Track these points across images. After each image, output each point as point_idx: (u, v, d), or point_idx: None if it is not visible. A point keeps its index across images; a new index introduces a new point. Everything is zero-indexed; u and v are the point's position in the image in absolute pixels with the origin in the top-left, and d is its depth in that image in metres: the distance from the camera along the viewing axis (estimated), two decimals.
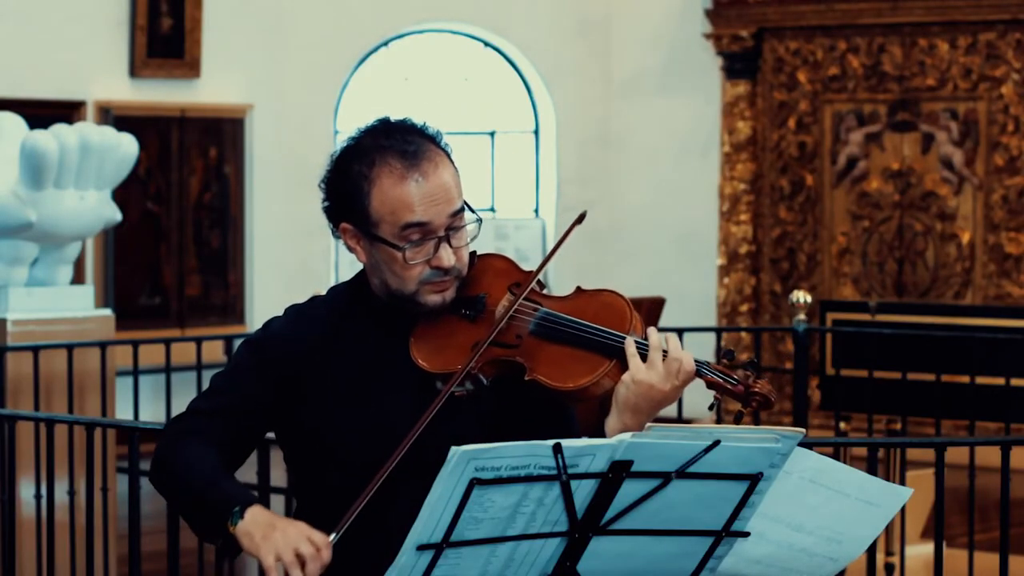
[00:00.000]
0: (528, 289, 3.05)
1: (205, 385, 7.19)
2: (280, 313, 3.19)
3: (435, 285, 3.04)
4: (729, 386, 2.99)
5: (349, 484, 3.00)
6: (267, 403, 3.06)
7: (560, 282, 12.04)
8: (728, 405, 3.18)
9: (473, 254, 3.12)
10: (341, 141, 3.12)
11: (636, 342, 2.97)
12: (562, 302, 3.08)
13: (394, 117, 3.11)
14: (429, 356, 3.03)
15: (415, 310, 3.06)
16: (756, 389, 2.98)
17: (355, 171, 3.03)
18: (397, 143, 3.02)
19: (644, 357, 2.96)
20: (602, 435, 2.99)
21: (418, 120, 3.11)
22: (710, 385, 3.01)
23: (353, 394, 3.05)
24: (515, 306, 3.02)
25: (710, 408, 3.10)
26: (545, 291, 3.12)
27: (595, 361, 2.98)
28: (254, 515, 2.89)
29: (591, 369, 2.97)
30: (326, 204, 3.11)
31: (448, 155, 3.07)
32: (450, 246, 3.02)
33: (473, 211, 3.08)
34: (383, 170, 3.00)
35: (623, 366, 2.98)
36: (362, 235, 3.06)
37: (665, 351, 2.97)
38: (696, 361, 2.98)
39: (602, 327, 3.00)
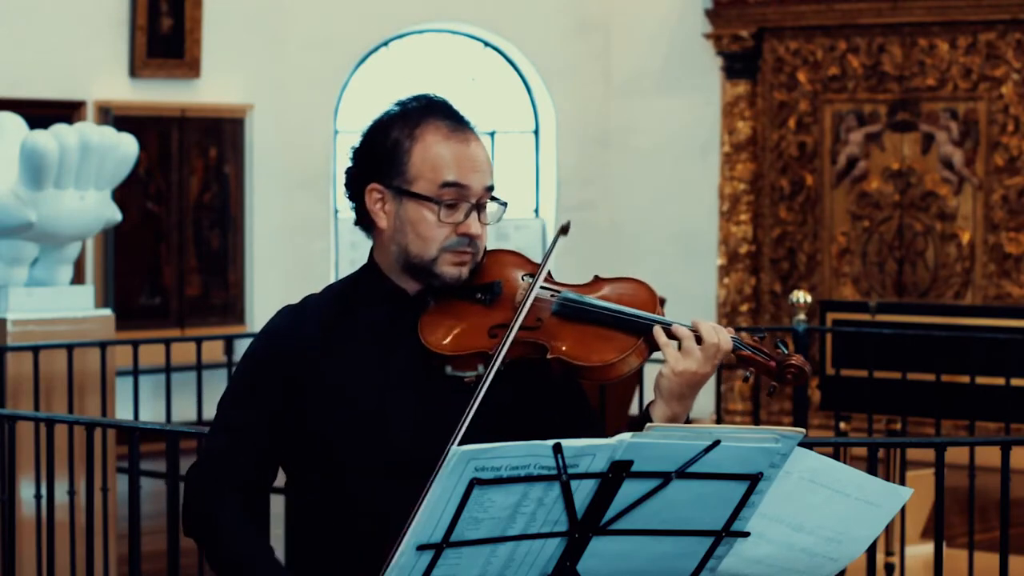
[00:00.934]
0: (544, 270, 3.04)
1: (205, 385, 7.26)
2: (275, 314, 3.18)
3: (456, 255, 3.03)
4: (762, 359, 3.00)
5: (348, 482, 3.00)
6: (279, 412, 3.05)
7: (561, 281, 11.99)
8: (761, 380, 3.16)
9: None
10: (378, 114, 3.12)
11: (664, 329, 2.97)
12: (583, 288, 3.09)
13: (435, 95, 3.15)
14: (441, 338, 3.00)
15: (429, 282, 3.05)
16: (791, 362, 2.99)
17: (396, 131, 3.05)
18: (442, 109, 3.08)
19: (669, 335, 2.97)
20: (604, 416, 3.01)
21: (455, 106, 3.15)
22: (743, 360, 3.01)
23: (355, 390, 3.03)
24: (537, 284, 2.99)
25: (744, 380, 3.11)
26: (558, 282, 3.12)
27: (621, 339, 2.98)
28: None
29: (618, 347, 2.97)
30: (352, 169, 3.11)
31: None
32: (479, 218, 3.04)
33: (498, 198, 3.10)
34: (428, 128, 3.04)
35: (649, 346, 2.98)
36: (391, 195, 3.05)
37: (698, 335, 2.97)
38: (731, 337, 3.00)
39: (628, 308, 3.00)
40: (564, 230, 3.08)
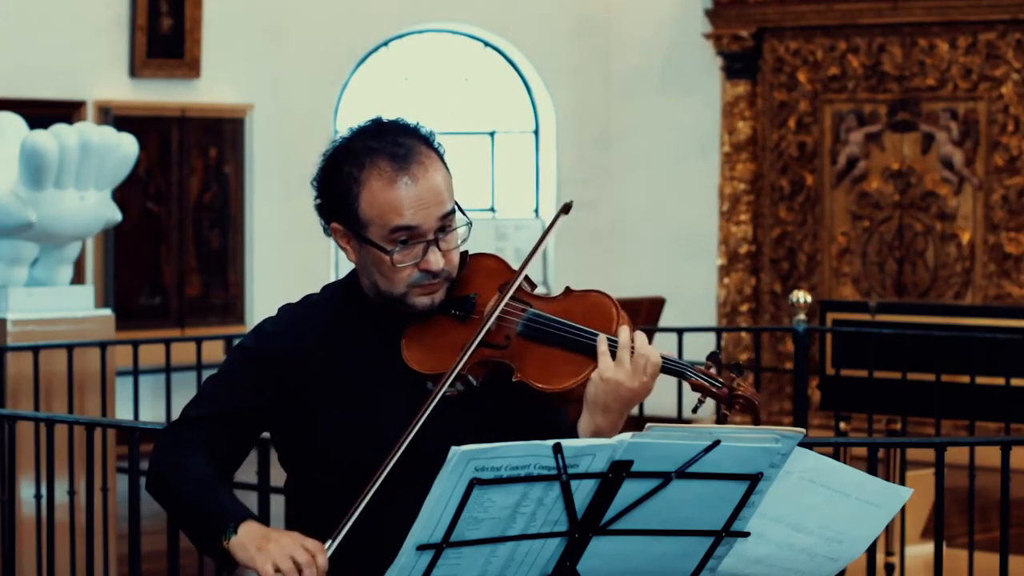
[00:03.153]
0: (513, 289, 3.04)
1: None
2: (275, 313, 3.18)
3: (424, 288, 3.03)
4: (714, 389, 2.99)
5: (343, 485, 3.00)
6: (263, 405, 3.06)
7: (560, 283, 12.03)
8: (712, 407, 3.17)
9: (465, 254, 3.12)
10: (333, 141, 3.11)
11: (608, 339, 2.97)
12: (551, 303, 3.07)
13: (387, 117, 3.10)
14: (420, 357, 3.03)
15: (404, 311, 3.06)
16: (740, 392, 2.98)
17: (345, 172, 3.02)
18: (387, 145, 3.01)
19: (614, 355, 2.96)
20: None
21: (411, 120, 3.09)
22: (695, 388, 3.01)
23: (347, 395, 3.04)
24: (501, 306, 3.01)
25: (693, 411, 3.11)
26: (536, 291, 3.12)
27: (581, 362, 2.97)
28: (248, 529, 2.90)
29: (576, 371, 2.97)
30: (318, 203, 3.10)
31: (440, 156, 3.06)
32: (439, 249, 3.02)
33: (464, 213, 3.07)
34: (372, 172, 2.99)
35: None
36: (352, 235, 3.05)
37: (633, 348, 2.96)
38: (676, 362, 2.98)
39: (586, 328, 2.99)
40: (566, 209, 3.08)
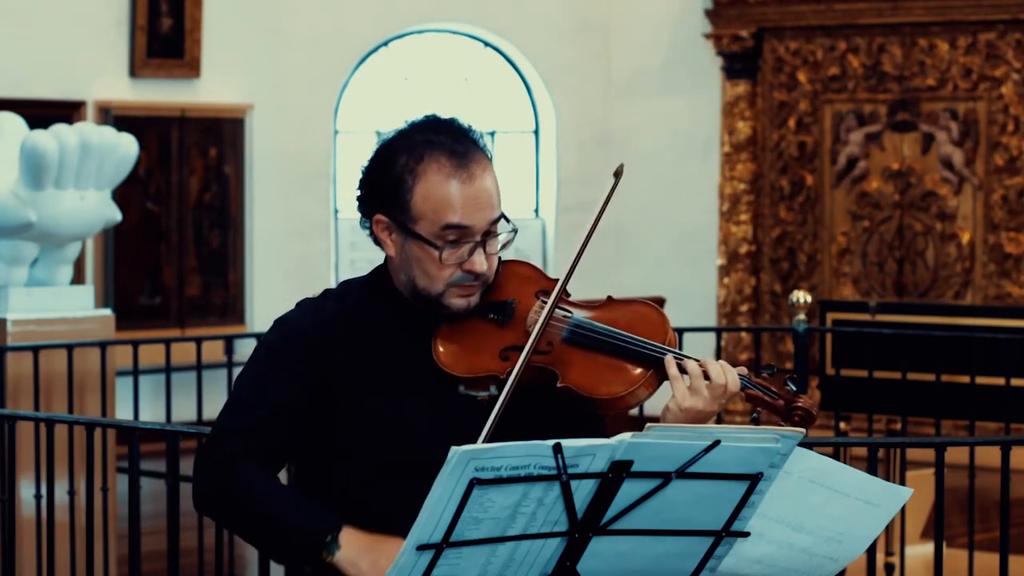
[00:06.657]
0: (559, 294, 3.01)
1: (205, 385, 7.26)
2: (284, 311, 3.14)
3: (462, 289, 3.02)
4: (769, 399, 2.98)
5: (361, 481, 2.99)
6: (302, 403, 3.00)
7: None
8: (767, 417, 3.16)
9: (499, 260, 3.11)
10: (388, 132, 3.08)
11: (675, 360, 2.96)
12: (595, 311, 3.06)
13: (443, 115, 3.08)
14: (454, 359, 3.00)
15: (438, 311, 3.04)
16: (798, 404, 2.98)
17: (401, 163, 3.00)
18: (447, 140, 3.00)
19: (680, 368, 2.96)
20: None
21: (465, 122, 3.07)
22: (750, 398, 3.00)
23: (373, 392, 3.01)
24: (550, 312, 2.96)
25: (752, 421, 3.10)
26: (571, 299, 3.09)
27: (630, 370, 2.96)
28: (349, 542, 2.85)
29: (627, 378, 2.96)
30: (361, 193, 3.08)
31: (491, 161, 3.05)
32: (484, 252, 3.02)
33: (509, 221, 3.06)
34: (431, 166, 2.98)
35: (659, 376, 2.97)
36: (397, 229, 3.03)
37: (707, 374, 2.97)
38: (739, 376, 2.99)
39: (637, 336, 2.98)
40: (617, 174, 3.08)
